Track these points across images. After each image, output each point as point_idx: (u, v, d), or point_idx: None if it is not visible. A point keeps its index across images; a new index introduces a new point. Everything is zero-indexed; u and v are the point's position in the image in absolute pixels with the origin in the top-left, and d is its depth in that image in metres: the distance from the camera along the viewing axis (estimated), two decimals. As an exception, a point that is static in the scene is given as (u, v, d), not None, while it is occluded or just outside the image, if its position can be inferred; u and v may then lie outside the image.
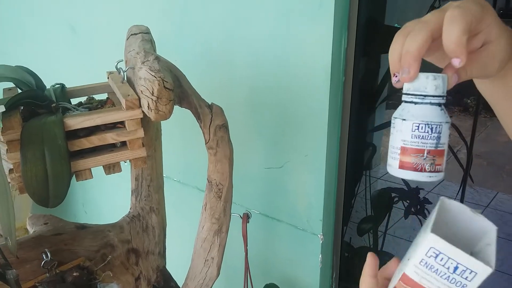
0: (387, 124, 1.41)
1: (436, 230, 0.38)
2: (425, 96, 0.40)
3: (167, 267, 1.01)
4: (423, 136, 0.40)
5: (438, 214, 0.41)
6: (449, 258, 0.37)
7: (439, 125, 0.40)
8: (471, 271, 0.37)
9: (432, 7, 1.28)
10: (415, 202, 1.46)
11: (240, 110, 1.14)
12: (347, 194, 1.12)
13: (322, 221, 1.08)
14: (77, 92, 0.84)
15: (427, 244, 0.38)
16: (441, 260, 0.38)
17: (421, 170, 0.40)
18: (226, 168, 0.83)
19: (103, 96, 0.84)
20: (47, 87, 0.82)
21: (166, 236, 1.01)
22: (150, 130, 0.89)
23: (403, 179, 1.03)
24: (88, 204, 1.97)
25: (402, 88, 0.42)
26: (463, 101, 3.86)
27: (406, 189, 1.48)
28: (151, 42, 0.82)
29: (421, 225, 0.43)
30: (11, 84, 0.79)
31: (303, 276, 1.18)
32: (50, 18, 1.67)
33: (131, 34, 0.84)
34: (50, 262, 0.77)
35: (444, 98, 0.41)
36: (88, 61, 1.59)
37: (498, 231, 0.40)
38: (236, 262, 1.23)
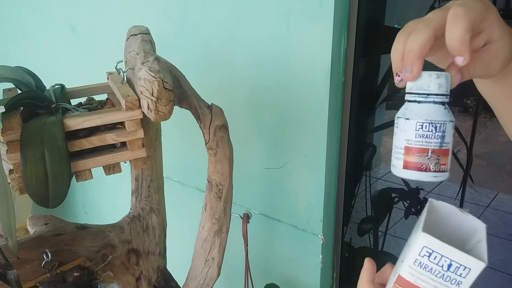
0: (387, 125, 1.42)
1: (427, 230, 0.38)
2: (428, 94, 0.40)
3: (167, 267, 1.01)
4: (427, 135, 0.40)
5: (428, 216, 0.41)
6: (442, 256, 0.37)
7: (443, 124, 0.40)
8: (465, 267, 0.37)
9: (432, 8, 1.28)
10: (415, 202, 1.46)
11: (240, 110, 1.14)
12: (347, 194, 1.12)
13: (322, 221, 1.08)
14: (77, 92, 0.84)
15: (420, 244, 0.38)
16: (434, 259, 0.38)
17: (425, 170, 0.40)
18: (226, 169, 0.83)
19: (103, 97, 0.84)
20: (47, 88, 0.82)
21: (167, 236, 1.01)
22: (150, 130, 0.89)
23: (403, 179, 1.03)
24: (88, 204, 1.97)
25: (404, 88, 0.42)
26: (463, 101, 3.86)
27: (406, 189, 1.48)
28: (151, 42, 0.83)
29: None
30: (11, 85, 0.79)
31: (303, 276, 1.18)
32: (50, 18, 1.67)
33: (131, 35, 0.84)
34: (51, 262, 0.77)
35: (448, 97, 0.40)
36: (88, 62, 1.59)
37: (487, 228, 0.40)
38: (236, 262, 1.23)
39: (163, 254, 1.00)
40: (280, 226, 1.17)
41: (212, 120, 0.81)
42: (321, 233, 1.09)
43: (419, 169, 0.40)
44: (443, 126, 0.40)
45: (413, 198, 1.46)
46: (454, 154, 1.45)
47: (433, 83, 0.40)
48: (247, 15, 1.04)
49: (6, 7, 1.88)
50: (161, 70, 0.69)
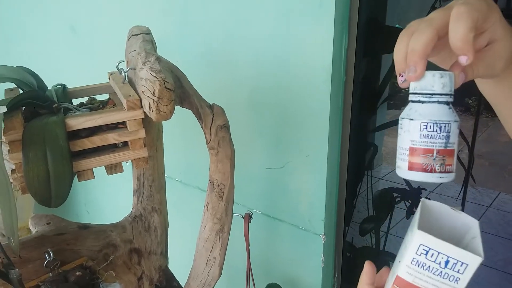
0: (389, 124, 1.42)
1: (422, 229, 0.38)
2: (432, 94, 0.40)
3: (169, 267, 1.02)
4: (431, 135, 0.39)
5: (421, 216, 0.41)
6: (439, 253, 0.37)
7: (448, 123, 0.39)
8: (462, 263, 0.37)
9: (433, 7, 1.28)
10: (417, 202, 1.46)
11: (242, 110, 1.14)
12: (349, 194, 1.12)
13: (324, 221, 1.08)
14: (79, 92, 0.84)
15: (417, 242, 0.38)
16: (431, 256, 0.38)
17: (431, 171, 0.40)
18: (227, 168, 0.83)
19: (104, 97, 0.84)
20: (48, 88, 0.82)
21: (168, 236, 1.01)
22: (152, 130, 0.89)
23: (406, 179, 1.03)
24: (90, 204, 1.98)
25: (407, 88, 0.41)
26: (464, 101, 3.86)
27: (408, 189, 1.48)
28: (152, 42, 0.83)
29: None
30: (12, 85, 0.79)
31: (305, 276, 1.18)
32: (50, 18, 1.67)
33: (132, 35, 0.84)
34: (53, 261, 0.77)
35: (452, 96, 0.40)
36: (89, 62, 1.59)
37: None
38: (238, 262, 1.23)
39: (165, 254, 1.00)
40: (281, 225, 1.17)
41: (213, 119, 0.81)
42: (323, 233, 1.09)
43: (425, 170, 0.40)
44: (448, 126, 0.39)
45: (414, 198, 1.46)
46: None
47: (437, 82, 0.39)
48: (248, 15, 1.04)
49: (6, 7, 1.88)
50: (163, 70, 0.70)
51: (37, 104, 0.73)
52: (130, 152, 0.74)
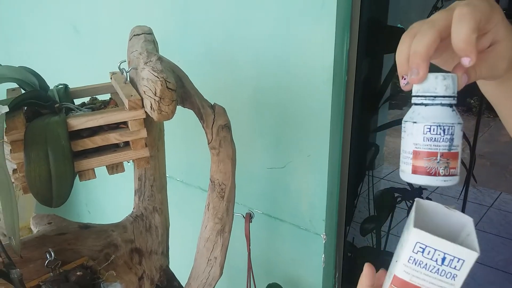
0: (390, 124, 1.41)
1: (418, 227, 0.38)
2: (435, 97, 0.39)
3: (170, 266, 1.02)
4: (435, 138, 0.39)
5: (416, 215, 0.41)
6: (436, 250, 0.37)
7: (451, 126, 0.39)
8: (459, 259, 0.37)
9: (435, 7, 1.28)
10: (417, 202, 1.46)
11: (243, 110, 1.14)
12: (350, 194, 1.12)
13: (325, 221, 1.08)
14: (80, 92, 0.84)
15: (413, 240, 0.38)
16: (428, 254, 0.38)
17: (435, 174, 0.39)
18: (228, 168, 0.83)
19: (106, 97, 0.84)
20: (50, 88, 0.82)
21: (169, 235, 1.01)
22: (153, 130, 0.89)
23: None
24: (91, 204, 1.98)
25: (410, 91, 0.41)
26: (466, 101, 3.85)
27: (409, 189, 1.48)
28: (154, 42, 0.83)
29: None
30: (14, 85, 0.80)
31: (306, 276, 1.18)
32: (52, 18, 1.68)
33: (134, 35, 0.84)
34: (54, 261, 0.77)
35: (455, 98, 0.40)
36: (91, 62, 1.59)
37: (474, 222, 0.41)
38: (239, 261, 1.23)
39: (165, 254, 1.00)
40: (282, 225, 1.17)
41: (214, 119, 0.81)
42: (324, 233, 1.09)
43: (428, 174, 0.39)
44: (452, 129, 0.39)
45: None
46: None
47: (440, 84, 0.39)
48: (248, 15, 1.04)
49: (7, 7, 1.88)
50: (164, 70, 0.70)
51: (39, 104, 0.73)
52: (131, 152, 0.74)
